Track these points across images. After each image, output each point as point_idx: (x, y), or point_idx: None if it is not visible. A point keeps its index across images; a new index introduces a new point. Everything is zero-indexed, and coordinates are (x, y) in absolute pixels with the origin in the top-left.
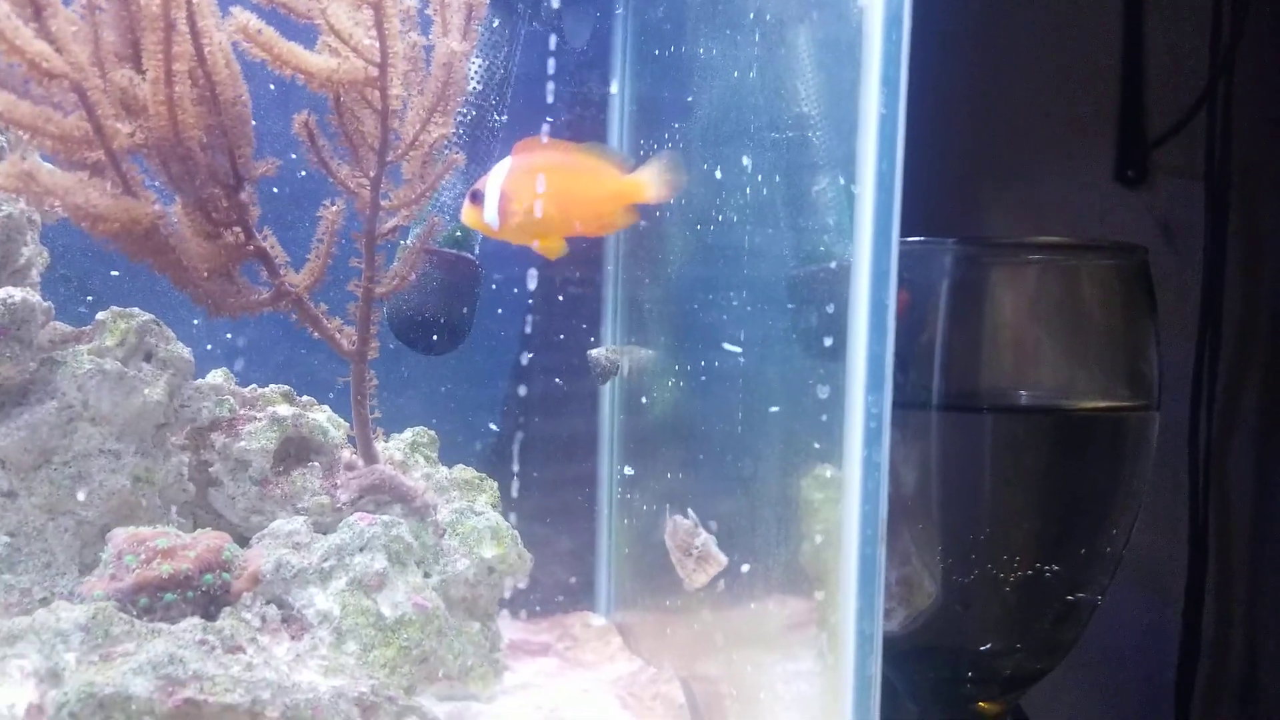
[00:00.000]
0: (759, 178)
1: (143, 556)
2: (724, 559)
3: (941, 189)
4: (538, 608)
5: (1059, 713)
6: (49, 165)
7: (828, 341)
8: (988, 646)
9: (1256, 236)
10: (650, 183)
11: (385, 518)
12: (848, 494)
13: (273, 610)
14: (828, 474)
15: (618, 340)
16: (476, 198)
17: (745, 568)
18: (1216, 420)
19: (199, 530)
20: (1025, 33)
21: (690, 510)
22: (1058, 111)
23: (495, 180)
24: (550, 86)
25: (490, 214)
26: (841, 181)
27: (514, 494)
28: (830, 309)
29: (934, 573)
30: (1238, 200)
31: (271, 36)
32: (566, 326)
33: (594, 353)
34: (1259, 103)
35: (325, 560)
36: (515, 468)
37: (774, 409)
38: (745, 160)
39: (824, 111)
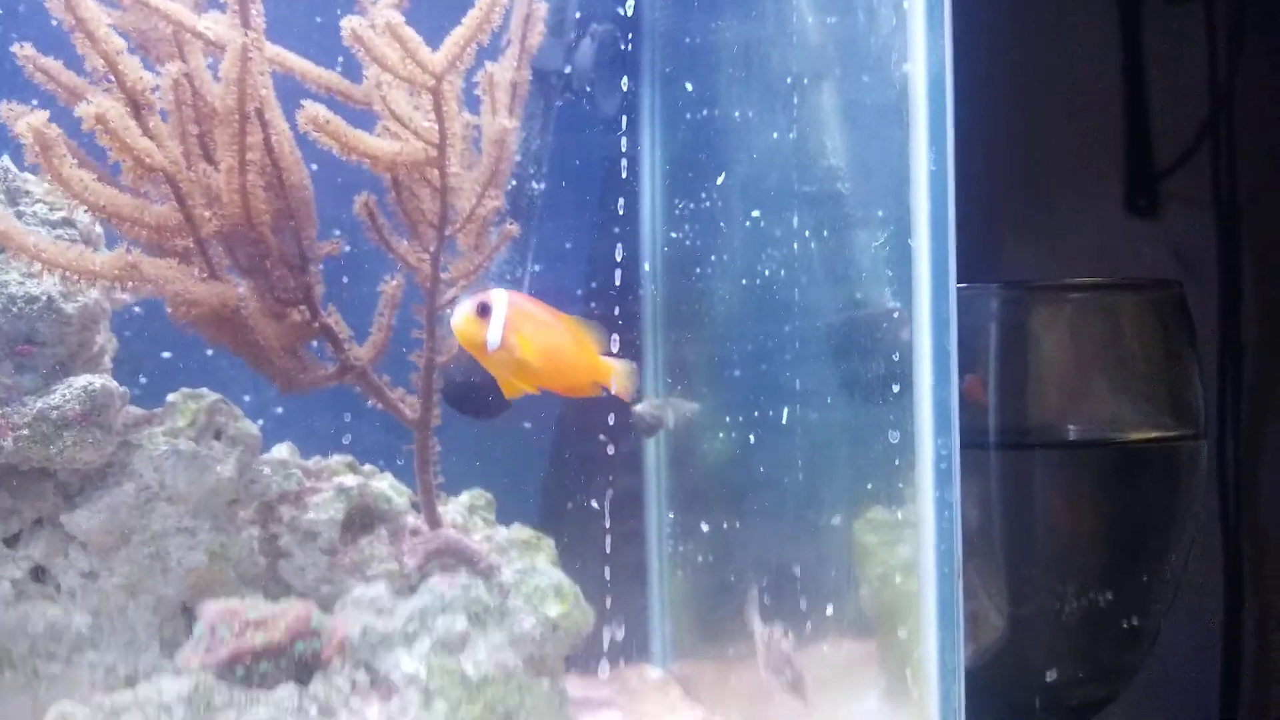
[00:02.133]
0: (805, 233)
1: (236, 628)
2: (810, 700)
3: (962, 232)
4: (592, 663)
5: None
6: (147, 256)
7: (895, 388)
8: (1053, 676)
9: (1271, 262)
10: (620, 374)
11: (463, 579)
12: (923, 533)
13: (362, 674)
14: (881, 517)
15: (660, 395)
16: (485, 311)
17: (829, 609)
18: (1243, 448)
19: (284, 600)
20: (1030, 71)
21: (790, 633)
22: (1066, 147)
23: (500, 305)
24: (583, 153)
25: (494, 335)
26: (880, 238)
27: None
28: (895, 357)
29: (999, 606)
30: (1249, 226)
31: (339, 125)
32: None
33: (638, 408)
34: (1261, 131)
35: (409, 624)
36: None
37: (831, 456)
38: (793, 217)
39: (871, 168)
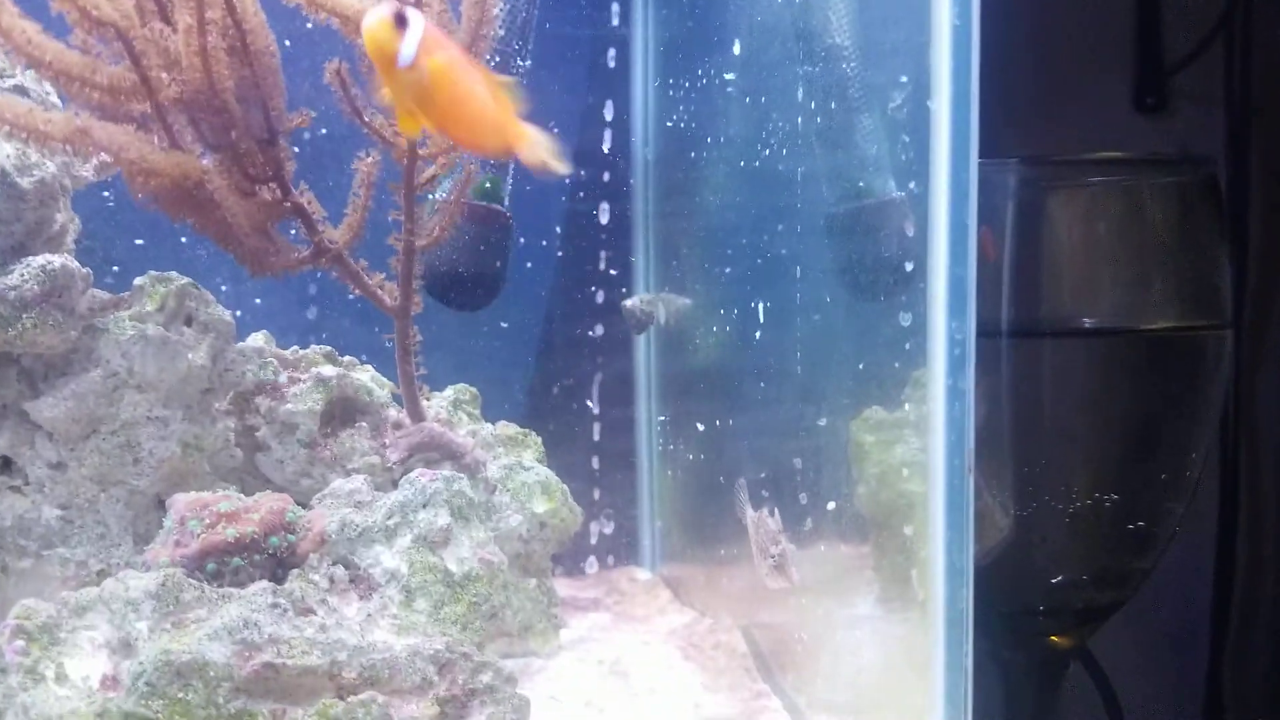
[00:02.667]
0: (811, 104)
1: (206, 521)
2: (796, 579)
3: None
4: (579, 562)
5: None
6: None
7: (908, 266)
8: (1059, 579)
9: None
10: (533, 142)
11: (446, 472)
12: (932, 424)
13: (340, 570)
14: (878, 416)
15: (651, 288)
16: (401, 23)
17: (831, 505)
18: (1245, 345)
19: (259, 493)
20: None
21: (777, 511)
22: (1075, 39)
23: (418, 21)
24: (570, 26)
25: (409, 48)
26: (896, 100)
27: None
28: (910, 232)
29: (1005, 506)
30: (1259, 125)
31: None
32: (596, 276)
33: (628, 303)
34: (1277, 28)
35: (389, 518)
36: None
37: (830, 349)
38: (798, 90)
39: (886, 28)
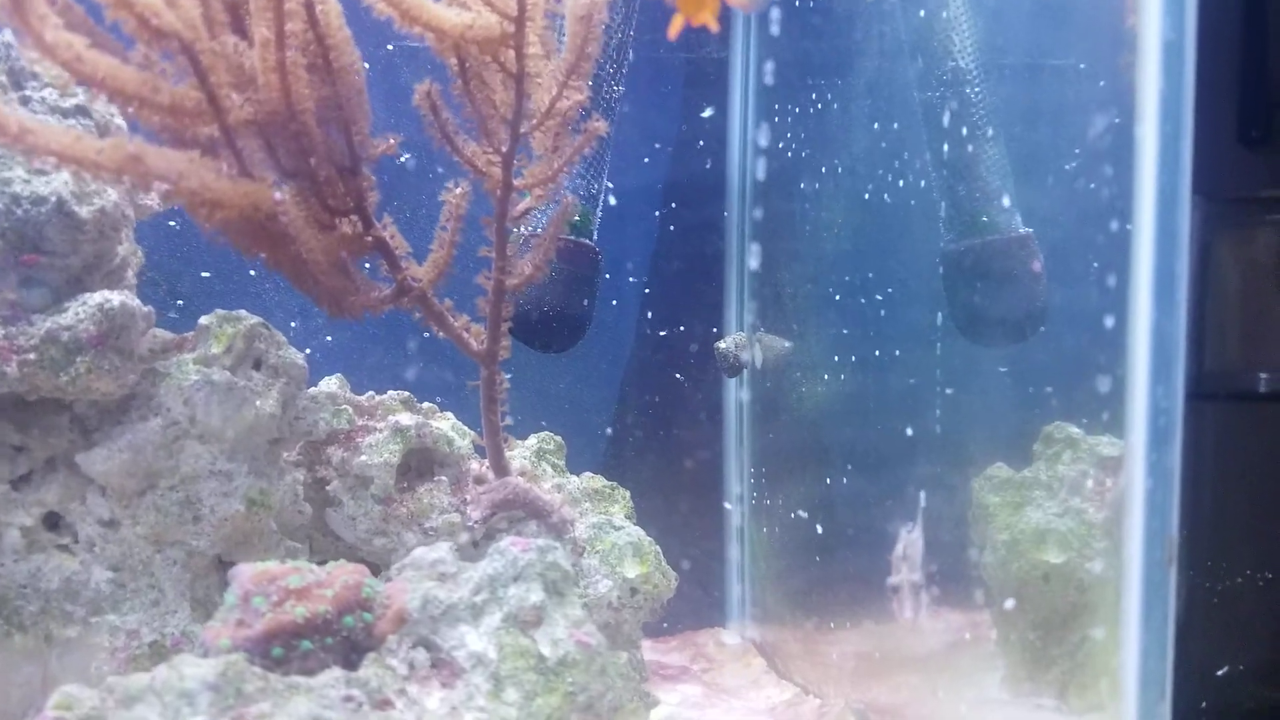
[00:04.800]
0: (963, 130)
1: (274, 598)
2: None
3: None
4: (664, 624)
5: None
6: (156, 147)
7: (1109, 322)
8: (1224, 671)
9: None
10: None
11: (540, 542)
12: (1130, 507)
13: (421, 654)
14: (1003, 474)
15: (746, 328)
16: None
17: (953, 570)
18: None
19: (332, 564)
20: None
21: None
22: None
23: None
24: (667, 54)
25: None
26: (1098, 125)
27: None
28: (1111, 282)
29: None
30: None
31: None
32: (685, 316)
33: (721, 344)
34: None
35: (477, 593)
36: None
37: (967, 403)
38: (944, 116)
39: (1078, 40)
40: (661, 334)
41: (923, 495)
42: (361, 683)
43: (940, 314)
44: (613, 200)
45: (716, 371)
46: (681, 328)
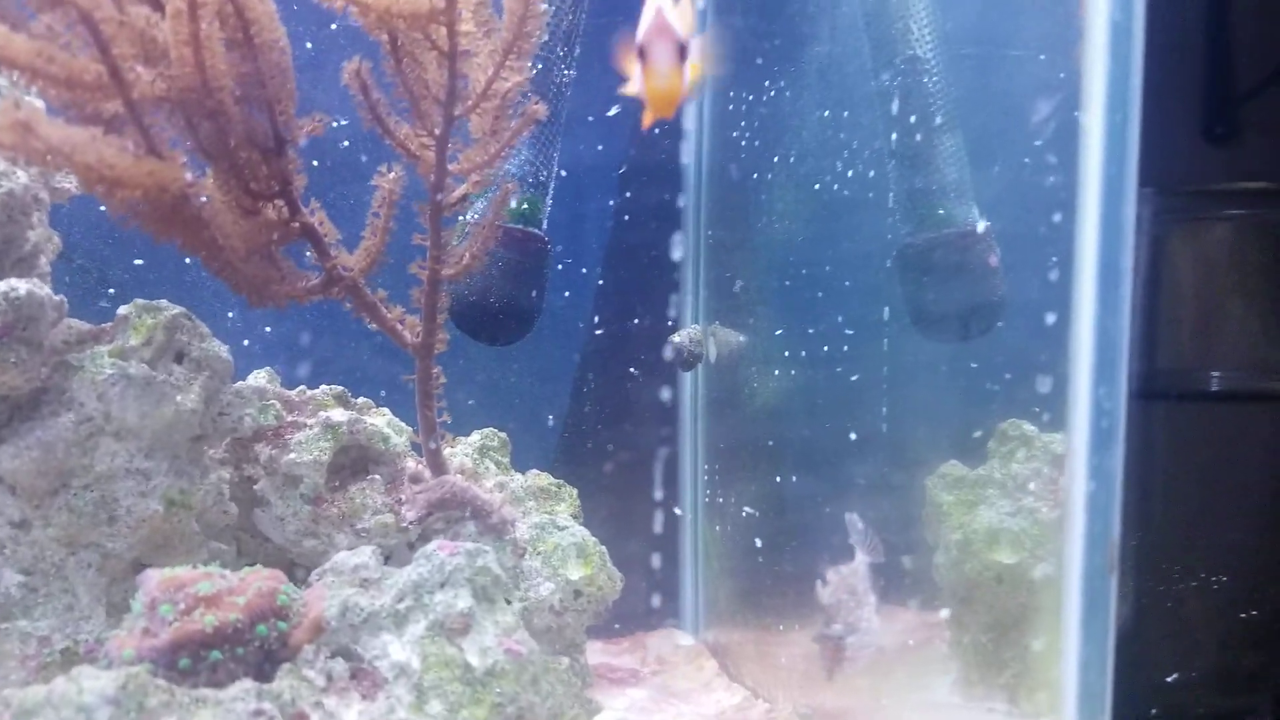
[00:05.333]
0: (920, 120)
1: (181, 606)
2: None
3: None
4: (616, 625)
5: None
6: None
7: (1050, 319)
8: (1174, 678)
9: None
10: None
11: (469, 545)
12: (1071, 511)
13: (339, 665)
14: (957, 473)
15: (701, 320)
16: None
17: (904, 568)
18: None
19: (246, 569)
20: None
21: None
22: (1145, 68)
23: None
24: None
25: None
26: (1043, 112)
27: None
28: (1053, 276)
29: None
30: None
31: None
32: (641, 306)
33: (676, 338)
34: None
35: (400, 600)
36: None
37: (913, 393)
38: (900, 106)
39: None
40: (615, 326)
41: (858, 520)
42: (274, 695)
43: (888, 308)
44: (565, 189)
45: (671, 365)
46: (635, 320)
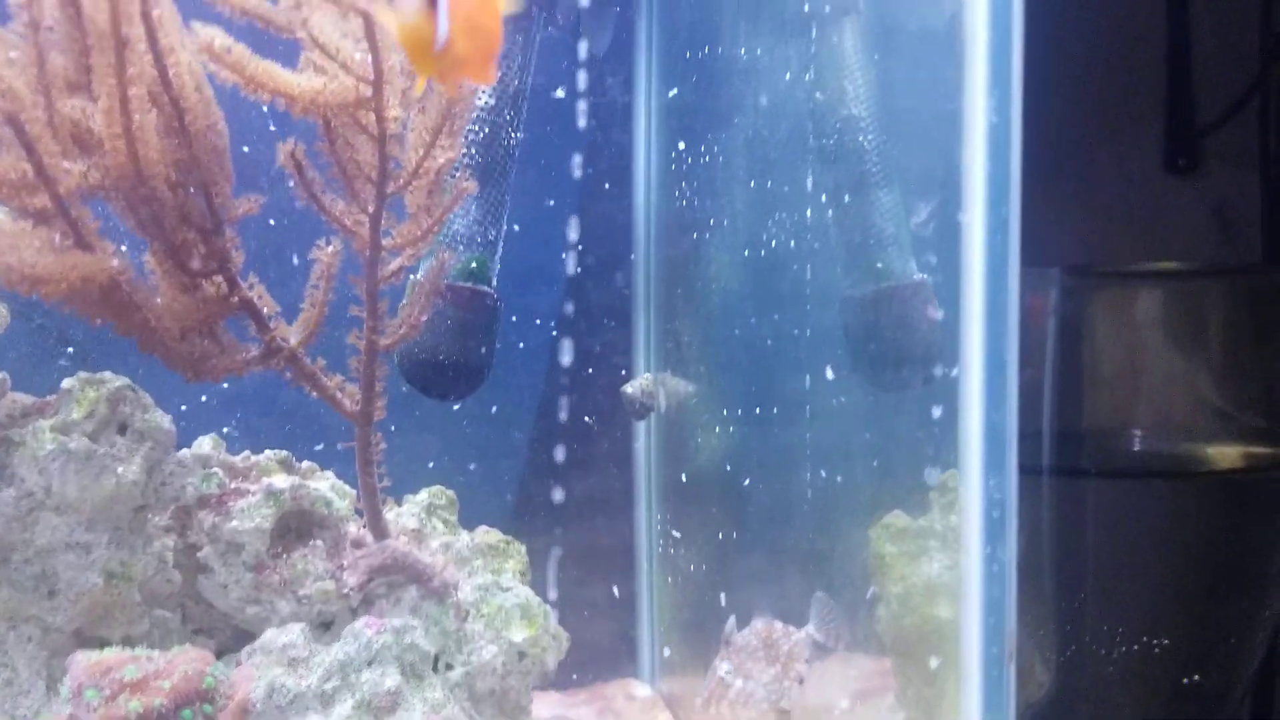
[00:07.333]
0: (822, 196)
1: (106, 691)
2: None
3: None
4: (574, 675)
5: None
6: None
7: (936, 412)
8: None
9: None
10: None
11: (396, 622)
12: (966, 601)
13: None
14: (900, 523)
15: (653, 370)
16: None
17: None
18: None
19: (176, 648)
20: (1072, 23)
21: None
22: (1106, 101)
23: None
24: (568, 98)
25: (443, 27)
26: (921, 211)
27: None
28: (937, 371)
29: (1046, 659)
30: None
31: (242, 55)
32: (596, 360)
33: (628, 389)
34: None
35: (327, 680)
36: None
37: (852, 445)
38: (806, 179)
39: (908, 118)
40: (570, 378)
41: (828, 601)
42: None
43: (830, 366)
44: (517, 243)
45: (626, 416)
46: (590, 370)
